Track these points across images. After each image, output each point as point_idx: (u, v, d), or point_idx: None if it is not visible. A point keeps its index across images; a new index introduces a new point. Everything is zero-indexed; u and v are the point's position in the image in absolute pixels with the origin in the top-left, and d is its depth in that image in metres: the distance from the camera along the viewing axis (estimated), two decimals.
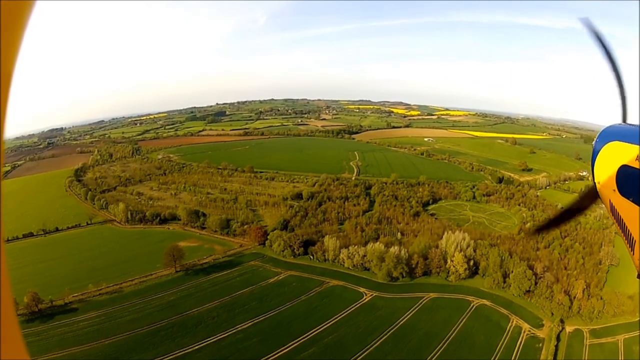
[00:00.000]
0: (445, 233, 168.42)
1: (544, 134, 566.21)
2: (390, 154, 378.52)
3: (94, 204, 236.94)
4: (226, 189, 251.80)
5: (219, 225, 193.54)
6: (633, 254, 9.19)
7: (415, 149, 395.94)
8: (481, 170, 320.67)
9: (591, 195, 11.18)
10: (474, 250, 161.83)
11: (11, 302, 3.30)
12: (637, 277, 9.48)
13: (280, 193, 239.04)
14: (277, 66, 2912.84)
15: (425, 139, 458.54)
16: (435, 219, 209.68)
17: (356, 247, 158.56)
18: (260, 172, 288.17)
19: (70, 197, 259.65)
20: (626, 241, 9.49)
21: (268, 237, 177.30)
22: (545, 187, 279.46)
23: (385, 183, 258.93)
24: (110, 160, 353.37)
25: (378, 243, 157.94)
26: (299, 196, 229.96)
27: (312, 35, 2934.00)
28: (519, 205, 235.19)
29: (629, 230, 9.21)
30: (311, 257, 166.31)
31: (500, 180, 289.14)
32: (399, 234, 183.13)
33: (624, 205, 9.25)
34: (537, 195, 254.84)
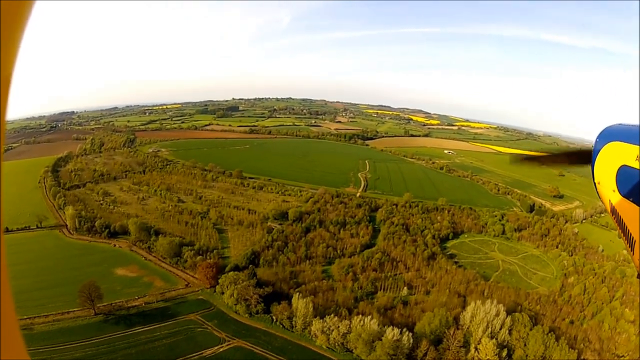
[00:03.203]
0: (472, 303, 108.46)
1: (573, 148, 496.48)
2: (406, 166, 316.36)
3: (54, 202, 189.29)
4: (202, 197, 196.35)
5: (169, 251, 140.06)
6: (633, 254, 8.43)
7: (433, 162, 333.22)
8: (508, 194, 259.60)
9: (581, 157, 10.39)
10: (510, 332, 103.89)
11: (11, 302, 3.19)
12: (637, 277, 9.05)
13: (263, 209, 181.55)
14: (298, 67, 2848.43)
15: (445, 151, 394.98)
16: (455, 263, 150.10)
17: (335, 318, 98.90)
18: (250, 177, 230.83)
19: (41, 190, 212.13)
20: (626, 241, 8.71)
21: (219, 280, 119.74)
22: (582, 221, 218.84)
23: (396, 205, 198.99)
24: (98, 151, 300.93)
25: (369, 318, 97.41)
26: (284, 216, 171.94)
27: (335, 38, 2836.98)
28: (557, 247, 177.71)
29: (629, 231, 8.49)
30: (273, 318, 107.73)
31: (531, 209, 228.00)
32: (405, 288, 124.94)
33: (624, 206, 8.51)
34: (576, 232, 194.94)
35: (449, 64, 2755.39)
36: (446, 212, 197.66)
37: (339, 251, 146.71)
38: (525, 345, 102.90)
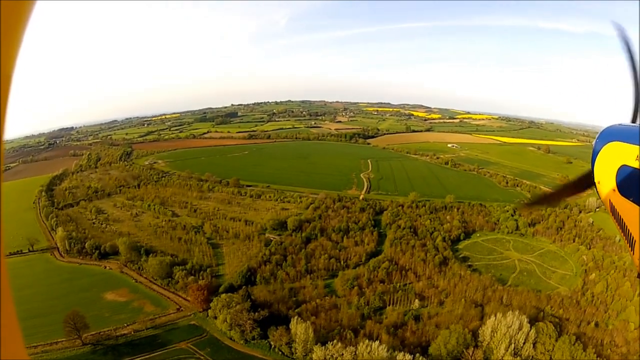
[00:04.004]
0: (492, 317, 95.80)
1: (573, 140, 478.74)
2: (409, 163, 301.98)
3: (47, 223, 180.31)
4: (196, 210, 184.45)
5: (159, 272, 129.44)
6: (633, 253, 8.51)
7: (438, 157, 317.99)
8: (517, 186, 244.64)
9: (586, 181, 10.39)
10: (534, 345, 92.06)
11: (11, 303, 3.22)
12: (637, 277, 9.23)
13: (260, 219, 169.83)
14: (297, 68, 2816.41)
15: (449, 145, 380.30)
16: (469, 267, 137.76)
17: (339, 345, 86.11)
18: (248, 185, 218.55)
19: (35, 210, 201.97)
20: (626, 241, 8.82)
21: (212, 302, 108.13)
22: (595, 209, 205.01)
23: (402, 206, 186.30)
24: (94, 166, 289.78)
25: (376, 343, 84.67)
26: (282, 225, 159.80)
27: (334, 37, 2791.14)
28: (574, 240, 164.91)
29: (629, 230, 8.56)
30: (271, 344, 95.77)
31: None
32: (416, 300, 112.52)
33: (624, 205, 8.59)
34: (591, 222, 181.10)
35: (447, 57, 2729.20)
36: (455, 210, 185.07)
37: (342, 262, 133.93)
38: (551, 358, 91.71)
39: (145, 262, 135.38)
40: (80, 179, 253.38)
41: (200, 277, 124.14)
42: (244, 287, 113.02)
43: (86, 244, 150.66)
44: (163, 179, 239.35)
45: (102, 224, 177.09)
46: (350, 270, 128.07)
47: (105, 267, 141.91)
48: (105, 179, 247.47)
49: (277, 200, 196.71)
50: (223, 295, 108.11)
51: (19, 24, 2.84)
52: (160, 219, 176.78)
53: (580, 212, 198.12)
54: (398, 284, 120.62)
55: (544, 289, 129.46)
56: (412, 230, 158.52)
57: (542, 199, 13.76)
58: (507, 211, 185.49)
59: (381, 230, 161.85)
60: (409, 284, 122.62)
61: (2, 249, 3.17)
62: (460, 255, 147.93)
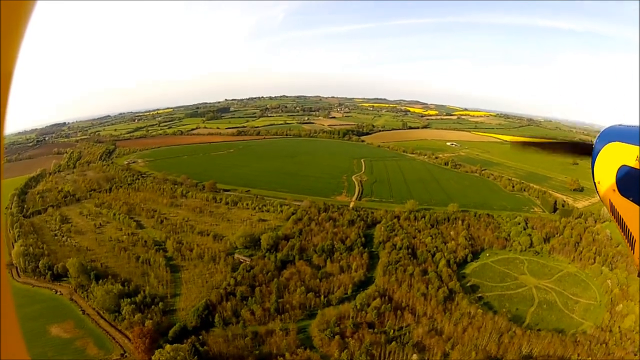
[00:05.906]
0: None
1: (575, 139, 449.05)
2: (406, 163, 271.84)
3: (11, 233, 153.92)
4: (164, 221, 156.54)
5: (106, 303, 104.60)
6: (633, 253, 8.50)
7: (437, 157, 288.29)
8: (524, 190, 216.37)
9: (583, 149, 10.47)
10: None
11: (11, 302, 3.23)
12: (638, 276, 9.27)
13: (232, 233, 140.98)
14: (293, 64, 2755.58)
15: (448, 144, 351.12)
16: (479, 300, 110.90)
17: None
18: (226, 190, 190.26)
19: (5, 217, 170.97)
20: (626, 241, 8.78)
21: (153, 356, 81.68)
22: (611, 219, 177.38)
23: (398, 218, 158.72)
24: (72, 166, 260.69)
25: None
26: (256, 243, 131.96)
27: (331, 33, 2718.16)
28: (594, 259, 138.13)
29: (629, 230, 8.52)
30: None
31: (554, 208, 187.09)
32: (414, 355, 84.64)
33: (624, 205, 8.56)
34: (610, 237, 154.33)
35: (445, 54, 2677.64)
36: (460, 223, 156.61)
37: (322, 297, 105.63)
38: None
39: (94, 290, 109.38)
40: (55, 180, 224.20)
41: (150, 315, 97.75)
42: (191, 339, 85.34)
43: (40, 262, 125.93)
44: (137, 181, 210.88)
45: (63, 237, 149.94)
46: (332, 309, 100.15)
47: (56, 292, 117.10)
48: (79, 181, 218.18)
49: (255, 208, 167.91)
50: (167, 347, 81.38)
51: (20, 23, 2.80)
52: (122, 232, 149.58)
53: (595, 221, 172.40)
54: (391, 330, 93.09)
55: (568, 327, 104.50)
56: (409, 251, 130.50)
57: (538, 144, 12.50)
58: (519, 223, 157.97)
59: (373, 250, 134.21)
60: (406, 327, 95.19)
61: (2, 249, 3.09)
62: (469, 284, 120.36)
